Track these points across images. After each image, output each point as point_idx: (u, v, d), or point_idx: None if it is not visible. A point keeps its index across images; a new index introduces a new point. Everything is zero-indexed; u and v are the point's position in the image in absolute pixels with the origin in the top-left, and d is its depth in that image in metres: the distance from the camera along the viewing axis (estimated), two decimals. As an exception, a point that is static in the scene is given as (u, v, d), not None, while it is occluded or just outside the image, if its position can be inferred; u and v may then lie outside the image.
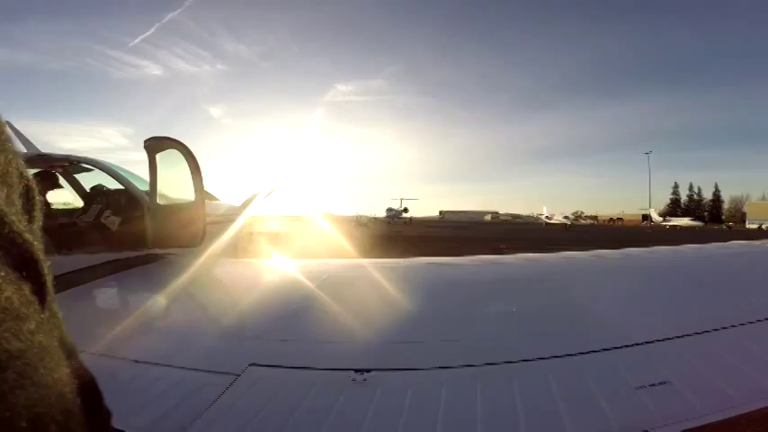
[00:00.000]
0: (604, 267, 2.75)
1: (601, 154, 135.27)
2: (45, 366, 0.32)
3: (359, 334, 1.60)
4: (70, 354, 0.38)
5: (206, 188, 4.87)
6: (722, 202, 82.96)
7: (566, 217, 68.87)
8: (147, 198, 3.32)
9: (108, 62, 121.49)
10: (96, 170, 3.82)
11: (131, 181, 3.59)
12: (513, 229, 49.03)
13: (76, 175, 4.21)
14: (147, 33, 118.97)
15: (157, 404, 1.22)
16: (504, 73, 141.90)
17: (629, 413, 1.11)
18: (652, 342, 1.43)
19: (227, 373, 1.29)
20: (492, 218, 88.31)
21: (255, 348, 1.53)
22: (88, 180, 4.26)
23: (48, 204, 3.55)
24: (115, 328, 1.96)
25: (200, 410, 1.13)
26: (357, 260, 3.78)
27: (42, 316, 0.33)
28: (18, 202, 0.35)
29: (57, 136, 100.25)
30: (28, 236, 0.33)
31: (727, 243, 3.82)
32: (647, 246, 3.57)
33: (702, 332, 1.50)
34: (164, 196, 3.26)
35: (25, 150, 4.14)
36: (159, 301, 2.55)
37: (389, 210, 59.53)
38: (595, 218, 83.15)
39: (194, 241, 3.15)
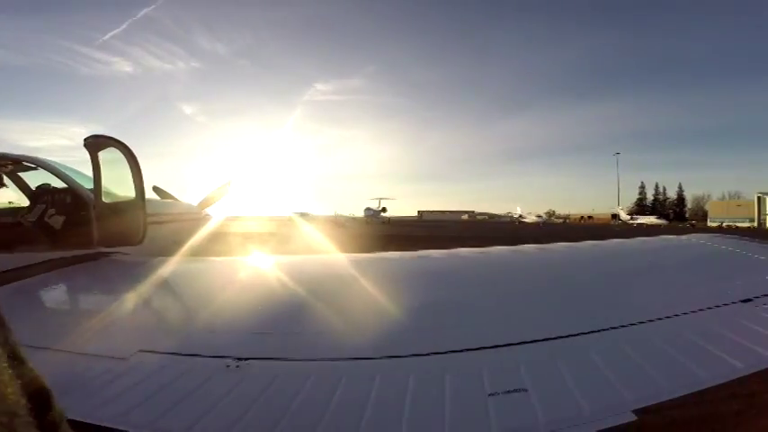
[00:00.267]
0: (503, 262, 2.82)
1: (572, 155, 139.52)
2: None
3: (241, 324, 1.69)
4: (14, 354, 0.37)
5: (168, 188, 4.86)
6: (686, 201, 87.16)
7: (538, 216, 71.26)
8: (92, 196, 3.34)
9: (75, 58, 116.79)
10: (41, 169, 3.79)
11: (76, 179, 3.58)
12: (490, 227, 49.81)
13: (25, 175, 4.16)
14: (119, 29, 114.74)
15: (82, 392, 1.31)
16: (479, 74, 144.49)
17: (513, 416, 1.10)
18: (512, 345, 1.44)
19: (118, 358, 1.37)
20: (469, 217, 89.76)
21: (147, 335, 1.63)
22: (37, 180, 4.21)
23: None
24: (52, 324, 2.02)
25: (94, 394, 1.23)
26: (303, 256, 3.88)
27: None
28: None
29: (18, 134, 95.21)
30: None
31: (651, 238, 4.08)
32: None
33: (578, 334, 1.50)
34: (108, 194, 3.29)
35: None
36: (94, 297, 2.61)
37: (368, 209, 58.89)
38: (567, 217, 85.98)
39: (135, 240, 3.20)
